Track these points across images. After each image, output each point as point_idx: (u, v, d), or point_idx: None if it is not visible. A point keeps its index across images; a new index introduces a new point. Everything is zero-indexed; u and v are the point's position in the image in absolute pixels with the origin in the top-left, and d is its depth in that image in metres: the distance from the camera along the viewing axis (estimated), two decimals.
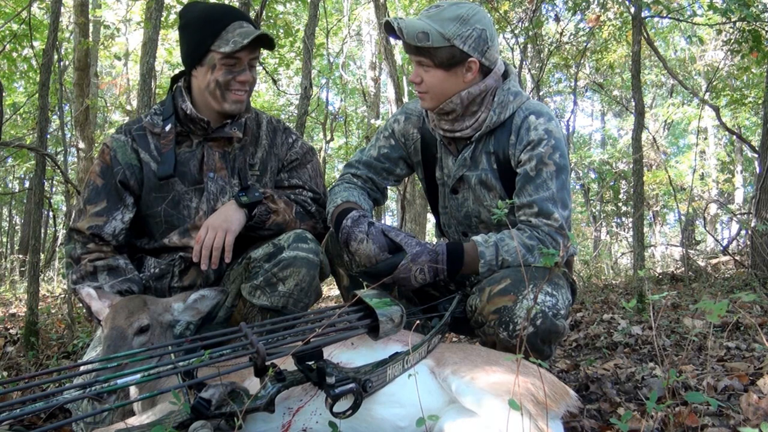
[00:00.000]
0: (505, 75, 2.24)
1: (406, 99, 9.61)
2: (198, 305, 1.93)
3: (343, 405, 1.55)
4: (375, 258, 2.07)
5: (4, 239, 19.18)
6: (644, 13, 5.96)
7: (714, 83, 10.28)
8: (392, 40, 8.85)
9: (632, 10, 5.57)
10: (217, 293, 1.96)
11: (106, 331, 1.76)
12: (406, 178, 4.73)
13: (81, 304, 2.35)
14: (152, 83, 4.51)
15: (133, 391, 1.75)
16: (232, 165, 2.36)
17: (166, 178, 2.27)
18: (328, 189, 2.48)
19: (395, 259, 2.05)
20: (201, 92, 2.29)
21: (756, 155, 7.33)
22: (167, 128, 2.30)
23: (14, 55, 7.92)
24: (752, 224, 5.80)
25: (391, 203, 18.98)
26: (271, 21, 8.60)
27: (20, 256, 10.45)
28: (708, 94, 9.72)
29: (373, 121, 13.05)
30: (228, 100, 2.27)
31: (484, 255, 2.07)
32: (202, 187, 2.31)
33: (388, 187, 2.57)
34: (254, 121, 2.46)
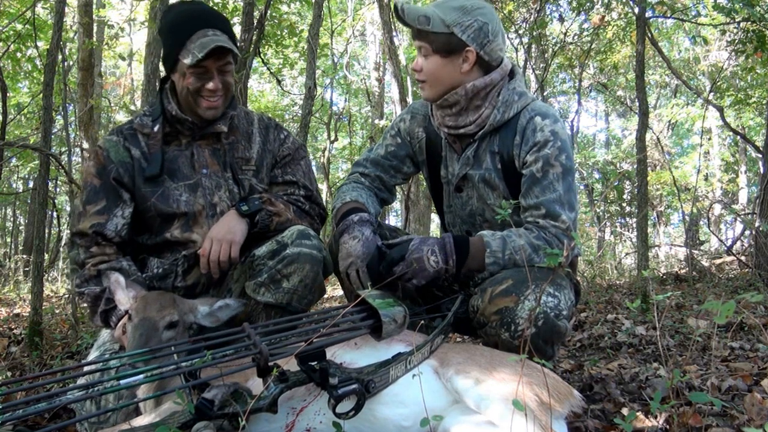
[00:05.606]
0: (511, 75, 2.25)
1: (410, 99, 9.59)
2: (219, 313, 1.96)
3: (346, 405, 1.55)
4: (354, 257, 2.10)
5: (8, 239, 19.23)
6: (648, 14, 5.94)
7: (718, 83, 10.23)
8: (396, 41, 8.86)
9: (636, 10, 5.56)
10: (240, 305, 2.01)
11: (136, 321, 1.77)
12: (410, 179, 4.73)
13: (84, 305, 2.35)
14: (156, 83, 4.51)
15: (140, 391, 1.75)
16: (223, 159, 2.40)
17: (153, 178, 2.31)
18: (336, 188, 2.50)
19: (404, 241, 2.09)
20: (183, 96, 2.33)
21: (760, 155, 7.31)
22: (155, 129, 2.35)
23: (18, 55, 7.94)
24: (756, 224, 5.79)
25: (395, 203, 18.97)
26: (275, 21, 8.61)
27: (24, 256, 10.47)
28: (712, 94, 9.68)
29: (377, 121, 13.04)
30: (201, 107, 2.30)
31: (491, 245, 2.06)
32: (191, 183, 2.35)
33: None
34: (244, 118, 2.51)
